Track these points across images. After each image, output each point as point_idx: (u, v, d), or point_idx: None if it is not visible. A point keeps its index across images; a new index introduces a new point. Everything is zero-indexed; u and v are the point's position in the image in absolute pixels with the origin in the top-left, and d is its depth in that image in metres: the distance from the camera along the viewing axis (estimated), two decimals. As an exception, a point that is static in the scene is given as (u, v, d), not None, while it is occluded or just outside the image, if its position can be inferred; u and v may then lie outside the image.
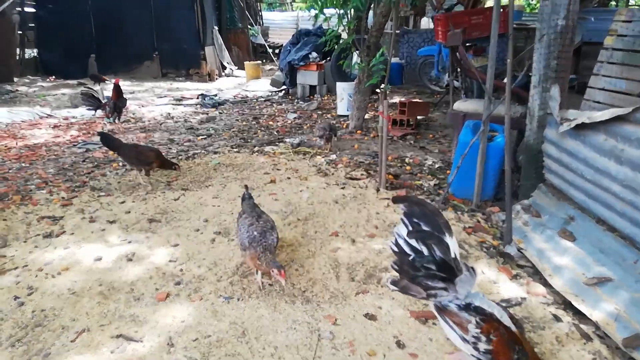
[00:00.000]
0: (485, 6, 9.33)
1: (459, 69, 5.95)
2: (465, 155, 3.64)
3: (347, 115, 7.11)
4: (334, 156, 5.37)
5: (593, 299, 2.47)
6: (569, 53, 3.30)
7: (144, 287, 2.77)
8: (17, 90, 9.90)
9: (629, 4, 14.52)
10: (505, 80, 3.31)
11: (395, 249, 2.06)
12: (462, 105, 4.55)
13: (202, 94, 9.47)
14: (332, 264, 3.02)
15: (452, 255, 1.93)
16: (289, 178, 4.63)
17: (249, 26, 15.74)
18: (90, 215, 3.74)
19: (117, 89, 6.95)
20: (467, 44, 6.25)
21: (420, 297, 2.05)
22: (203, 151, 5.62)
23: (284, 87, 10.21)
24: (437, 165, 5.00)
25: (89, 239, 3.37)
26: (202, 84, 11.84)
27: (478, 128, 3.69)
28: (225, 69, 13.55)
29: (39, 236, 3.40)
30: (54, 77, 11.72)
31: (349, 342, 2.30)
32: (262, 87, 11.07)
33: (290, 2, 23.82)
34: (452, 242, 1.94)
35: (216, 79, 12.54)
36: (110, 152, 5.30)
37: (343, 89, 7.39)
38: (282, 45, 13.64)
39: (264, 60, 15.97)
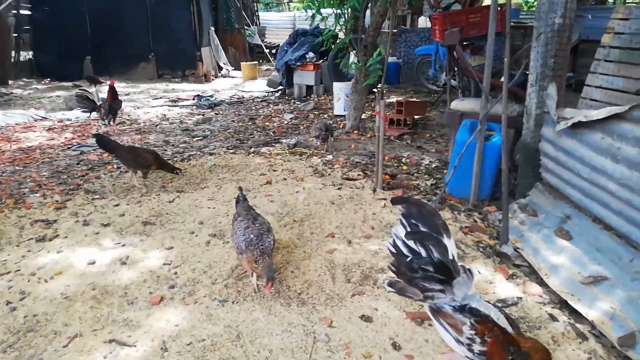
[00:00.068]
0: (483, 5, 9.31)
1: (456, 68, 5.93)
2: (462, 155, 3.62)
3: (344, 115, 7.09)
4: (330, 157, 5.34)
5: (589, 298, 2.46)
6: (567, 51, 3.29)
7: (138, 290, 2.74)
8: (11, 93, 9.83)
9: (626, 1, 14.53)
10: (502, 79, 3.29)
11: (393, 250, 2.04)
12: (460, 104, 4.53)
13: (198, 95, 9.43)
14: (328, 266, 2.99)
15: (450, 257, 1.91)
16: (285, 179, 4.61)
17: (245, 26, 15.69)
18: (84, 219, 3.71)
19: (112, 91, 6.92)
20: (465, 43, 6.23)
21: (417, 299, 2.04)
22: (198, 153, 5.59)
23: (280, 87, 10.19)
24: (434, 165, 4.98)
25: (82, 242, 3.33)
26: (198, 85, 11.79)
27: (475, 127, 3.66)
28: (221, 69, 13.51)
29: (32, 240, 3.36)
30: (49, 79, 11.66)
31: (344, 344, 2.28)
32: (258, 87, 11.04)
33: (287, 2, 23.77)
34: (450, 243, 1.93)
35: (212, 79, 12.49)
36: (106, 155, 5.27)
37: (340, 88, 7.37)
38: (279, 45, 13.61)
39: (261, 61, 15.94)
